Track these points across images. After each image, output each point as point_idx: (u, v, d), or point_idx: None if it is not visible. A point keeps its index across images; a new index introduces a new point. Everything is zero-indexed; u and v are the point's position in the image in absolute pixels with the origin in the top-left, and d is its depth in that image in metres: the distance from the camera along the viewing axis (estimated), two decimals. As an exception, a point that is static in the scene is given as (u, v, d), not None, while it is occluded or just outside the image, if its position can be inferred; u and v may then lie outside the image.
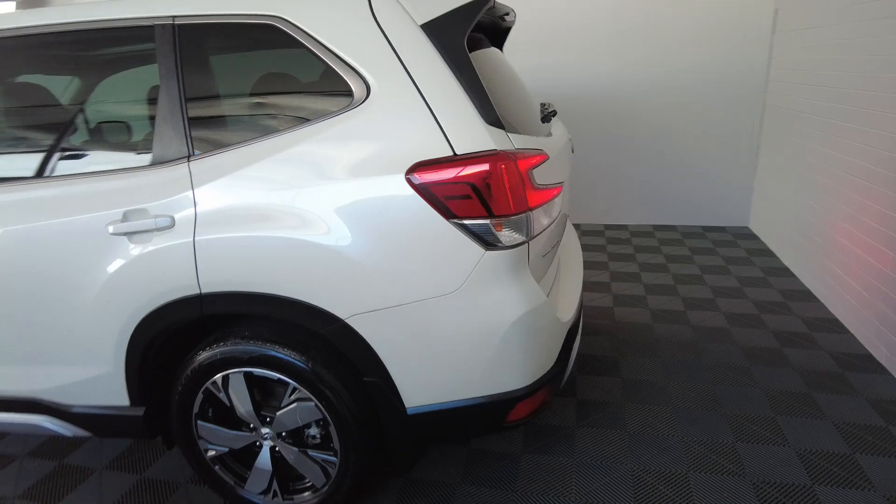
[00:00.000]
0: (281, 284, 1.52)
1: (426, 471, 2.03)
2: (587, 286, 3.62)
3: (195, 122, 1.60)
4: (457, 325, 1.49)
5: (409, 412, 1.59)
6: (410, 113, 1.45)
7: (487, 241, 1.44)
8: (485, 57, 1.88)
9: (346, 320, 1.51)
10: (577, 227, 4.93)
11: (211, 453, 1.81)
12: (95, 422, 1.85)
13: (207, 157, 1.57)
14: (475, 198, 1.42)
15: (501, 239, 1.45)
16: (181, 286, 1.58)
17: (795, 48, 3.80)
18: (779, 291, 3.40)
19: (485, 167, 1.41)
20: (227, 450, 1.80)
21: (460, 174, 1.41)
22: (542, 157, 1.57)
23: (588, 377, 2.57)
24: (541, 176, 1.58)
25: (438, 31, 1.50)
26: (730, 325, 3.01)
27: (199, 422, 1.77)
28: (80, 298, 1.67)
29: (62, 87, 1.79)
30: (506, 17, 2.05)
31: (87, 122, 1.75)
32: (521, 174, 1.44)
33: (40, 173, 1.72)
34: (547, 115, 2.10)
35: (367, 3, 1.51)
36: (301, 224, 1.48)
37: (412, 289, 1.48)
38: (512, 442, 2.16)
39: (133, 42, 1.66)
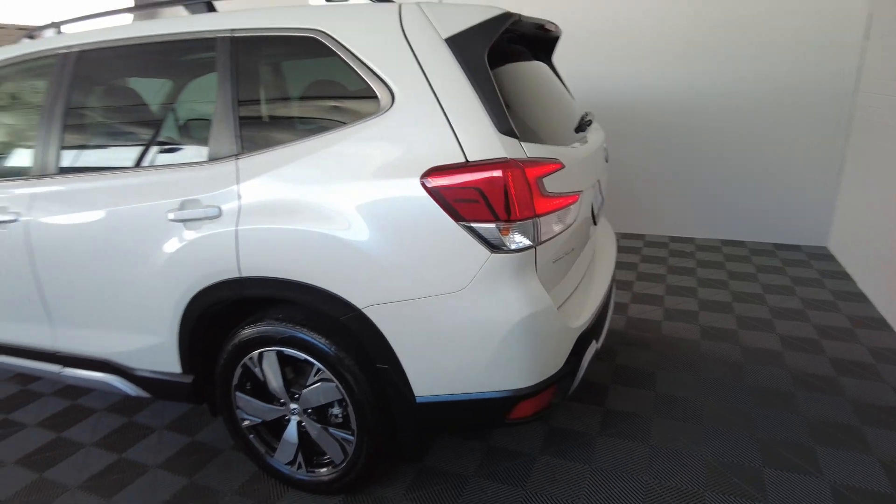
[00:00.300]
0: (308, 273, 1.67)
1: (442, 461, 2.13)
2: (638, 298, 3.55)
3: (245, 123, 1.79)
4: (462, 322, 1.58)
5: (417, 400, 1.70)
6: (429, 121, 1.56)
7: (493, 244, 1.52)
8: (520, 69, 1.95)
9: (362, 310, 1.64)
10: (640, 238, 4.82)
11: (246, 423, 2.01)
12: (153, 385, 2.10)
13: (253, 156, 1.75)
14: (482, 202, 1.49)
15: (507, 243, 1.52)
16: (225, 269, 1.78)
17: (891, 55, 3.51)
18: (847, 317, 3.17)
19: (492, 174, 1.48)
20: (259, 421, 1.98)
21: (469, 179, 1.50)
22: (555, 165, 1.61)
23: (620, 388, 2.55)
24: (555, 184, 1.63)
25: (461, 44, 1.59)
26: (783, 348, 2.86)
27: (237, 393, 1.97)
28: (145, 275, 1.92)
29: (142, 91, 2.05)
30: (548, 30, 2.10)
31: (160, 121, 2.00)
32: (528, 181, 1.51)
33: (119, 165, 1.99)
34: (582, 125, 2.12)
35: (397, 18, 1.64)
36: (327, 219, 1.63)
37: (422, 285, 1.58)
38: (531, 442, 2.20)
39: (199, 52, 1.88)
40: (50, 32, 2.33)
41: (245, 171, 1.75)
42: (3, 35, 5.82)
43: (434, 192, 1.52)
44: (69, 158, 2.09)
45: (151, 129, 2.00)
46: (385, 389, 1.74)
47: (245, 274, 1.76)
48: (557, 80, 2.42)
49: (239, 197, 1.75)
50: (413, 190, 1.54)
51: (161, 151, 1.95)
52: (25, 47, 2.26)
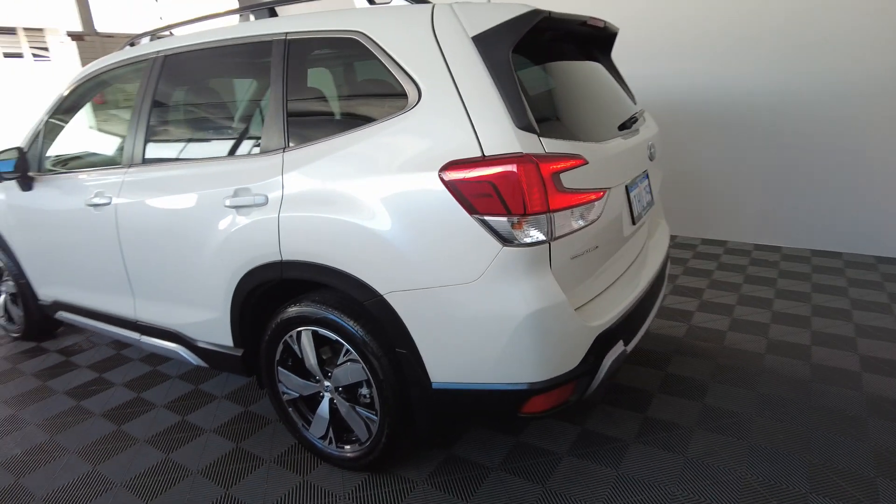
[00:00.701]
0: (337, 258, 1.78)
1: (469, 450, 2.16)
2: (705, 306, 3.37)
3: (292, 119, 1.94)
4: (475, 312, 1.61)
5: (433, 386, 1.75)
6: (451, 116, 1.61)
7: (505, 237, 1.54)
8: (565, 67, 1.95)
9: (384, 296, 1.72)
10: (721, 244, 4.55)
11: (286, 396, 2.17)
12: (210, 356, 2.33)
13: (296, 150, 1.89)
14: (495, 196, 1.52)
15: (518, 237, 1.53)
16: (268, 253, 1.94)
17: None
18: (948, 341, 2.81)
19: (504, 168, 1.50)
20: (297, 395, 2.13)
21: (483, 174, 1.53)
22: (575, 161, 1.60)
23: (666, 397, 2.45)
24: (577, 179, 1.61)
25: (487, 42, 1.62)
26: (863, 369, 2.60)
27: (279, 368, 2.13)
28: (205, 255, 2.13)
29: (210, 90, 2.28)
30: (595, 26, 2.07)
31: (224, 117, 2.21)
32: (542, 177, 1.51)
33: (189, 156, 2.22)
34: (626, 123, 2.07)
35: (429, 17, 1.70)
36: (354, 210, 1.73)
37: (439, 274, 1.63)
38: (560, 441, 2.18)
39: (258, 54, 2.06)
40: (145, 40, 2.64)
41: (289, 164, 1.90)
42: (113, 43, 6.61)
43: (451, 186, 1.57)
44: (150, 151, 2.36)
45: (217, 124, 2.22)
46: (404, 373, 1.81)
47: (285, 258, 1.90)
48: (609, 77, 2.37)
49: (282, 187, 1.89)
50: (432, 183, 1.60)
51: (223, 144, 2.16)
52: (125, 53, 2.58)
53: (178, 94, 2.35)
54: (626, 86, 2.56)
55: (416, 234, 1.64)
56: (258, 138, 2.02)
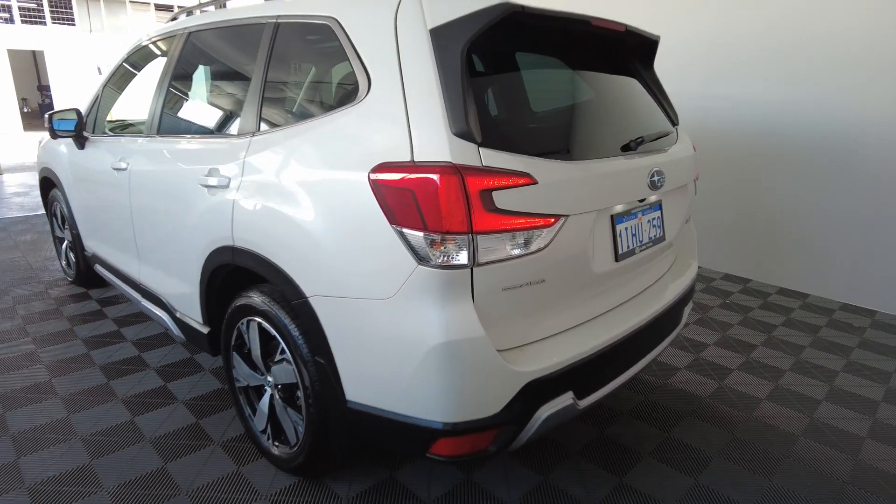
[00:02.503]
0: (273, 251, 1.70)
1: (411, 477, 2.00)
2: (749, 366, 2.91)
3: (267, 103, 1.88)
4: (387, 332, 1.45)
5: (349, 404, 1.62)
6: (392, 114, 1.46)
7: (420, 255, 1.36)
8: (564, 76, 1.72)
9: (309, 298, 1.61)
10: (800, 297, 3.94)
11: (238, 383, 2.13)
12: (184, 328, 2.36)
13: (262, 135, 1.84)
14: (414, 207, 1.35)
15: (434, 256, 1.35)
16: (224, 237, 1.90)
17: None
18: None
19: (424, 177, 1.33)
20: (246, 384, 2.09)
21: (405, 180, 1.36)
22: (518, 179, 1.38)
23: (655, 463, 2.12)
24: (520, 201, 1.39)
25: (443, 36, 1.45)
26: (921, 481, 2.08)
27: (234, 353, 2.10)
28: (184, 229, 2.15)
29: (210, 69, 2.29)
30: (617, 31, 1.80)
31: (217, 96, 2.21)
32: (467, 192, 1.31)
33: (187, 131, 2.26)
34: (630, 144, 1.78)
35: (396, 5, 1.55)
36: (292, 203, 1.63)
37: (359, 284, 1.49)
38: (513, 489, 1.96)
39: (251, 37, 2.03)
40: (183, 16, 2.73)
41: (252, 148, 1.84)
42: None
43: (376, 189, 1.42)
44: (163, 123, 2.44)
45: (213, 102, 2.23)
46: (323, 383, 1.69)
47: (236, 244, 1.86)
48: (637, 91, 2.07)
49: (242, 171, 1.85)
50: (361, 184, 1.46)
51: (212, 122, 2.16)
52: (167, 27, 2.69)
53: (188, 70, 2.40)
54: (664, 103, 2.23)
55: (342, 236, 1.51)
56: (238, 119, 2.00)
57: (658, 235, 1.95)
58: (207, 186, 1.98)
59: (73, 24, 17.70)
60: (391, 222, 1.39)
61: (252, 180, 1.79)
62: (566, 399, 1.58)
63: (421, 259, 1.36)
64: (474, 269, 1.36)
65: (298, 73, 1.89)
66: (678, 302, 2.09)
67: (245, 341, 2.02)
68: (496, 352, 1.41)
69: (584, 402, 1.65)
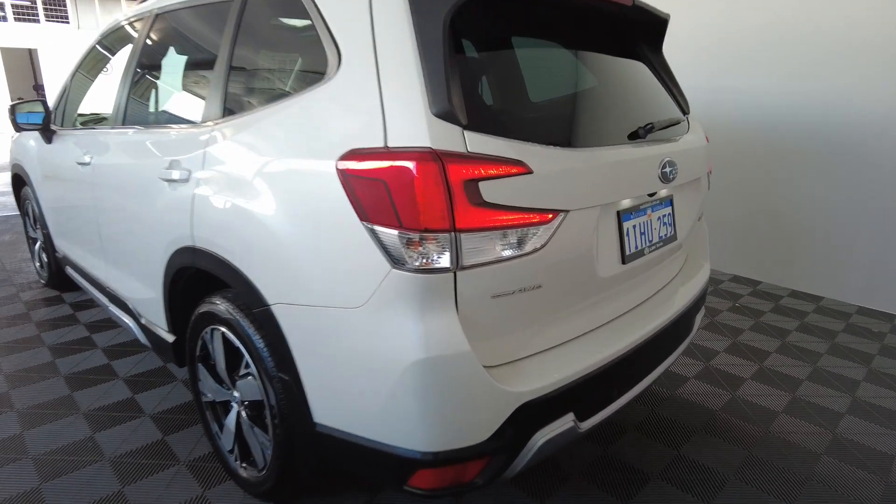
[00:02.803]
0: (234, 252, 1.51)
1: (399, 501, 1.80)
2: (762, 375, 2.71)
3: (232, 86, 1.68)
4: (357, 347, 1.25)
5: (317, 427, 1.42)
6: (364, 93, 1.26)
7: (395, 257, 1.16)
8: (566, 57, 1.53)
9: (271, 306, 1.42)
10: (814, 300, 3.73)
11: (205, 398, 1.93)
12: (151, 337, 2.16)
13: (226, 121, 1.64)
14: (387, 200, 1.15)
15: (410, 258, 1.15)
16: (184, 236, 1.70)
17: None
18: None
19: (399, 165, 1.13)
20: (213, 399, 1.89)
21: (376, 169, 1.16)
22: (510, 168, 1.18)
23: (665, 486, 1.92)
24: (513, 194, 1.19)
25: (423, 2, 1.24)
26: (961, 506, 1.87)
27: (199, 365, 1.90)
28: (146, 227, 1.95)
29: (174, 54, 2.09)
30: (625, 4, 1.60)
31: (186, 82, 2.01)
32: (448, 182, 1.11)
33: (150, 122, 2.06)
34: (638, 132, 1.58)
35: None
36: (253, 197, 1.43)
37: (326, 291, 1.29)
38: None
39: (217, 16, 1.83)
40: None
41: (214, 136, 1.65)
42: None
43: (344, 181, 1.22)
44: (127, 113, 2.24)
45: (178, 89, 2.03)
46: (289, 403, 1.49)
47: (197, 244, 1.66)
48: (644, 76, 1.87)
49: (203, 162, 1.65)
50: (329, 175, 1.26)
51: (176, 110, 1.96)
52: (135, 10, 2.49)
53: (154, 55, 2.20)
54: (674, 90, 2.03)
55: (308, 236, 1.31)
56: (203, 105, 1.80)
57: (669, 234, 1.75)
58: (168, 180, 1.78)
59: (67, 22, 17.51)
60: (361, 219, 1.19)
61: (212, 173, 1.59)
62: (566, 422, 1.37)
63: (395, 261, 1.16)
64: (458, 273, 1.16)
65: (266, 53, 1.69)
66: (690, 308, 1.88)
67: (210, 352, 1.82)
68: (484, 369, 1.21)
69: (587, 424, 1.45)
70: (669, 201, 1.75)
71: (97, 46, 2.74)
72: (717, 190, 4.05)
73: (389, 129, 1.18)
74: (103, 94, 2.55)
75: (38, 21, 17.02)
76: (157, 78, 2.17)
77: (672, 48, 2.13)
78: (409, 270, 1.15)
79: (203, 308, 1.75)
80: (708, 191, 2.08)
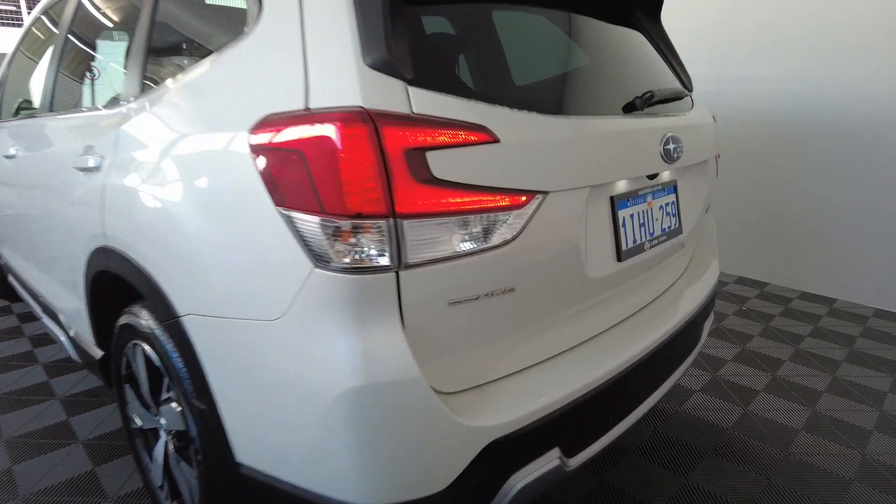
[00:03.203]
0: (142, 253, 1.23)
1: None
2: (776, 386, 2.43)
3: (152, 56, 1.42)
4: (278, 371, 0.98)
5: (241, 468, 1.14)
6: (285, 44, 0.99)
7: (316, 252, 0.89)
8: (559, 18, 1.26)
9: (181, 318, 1.14)
10: (826, 302, 3.46)
11: (134, 424, 1.65)
12: (80, 351, 1.88)
13: (143, 96, 1.37)
14: (305, 178, 0.88)
15: (336, 254, 0.87)
16: (96, 234, 1.43)
17: None
18: None
19: (319, 129, 0.85)
20: (142, 426, 1.61)
21: (290, 140, 0.89)
22: (470, 134, 0.91)
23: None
24: (474, 169, 0.92)
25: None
26: None
27: (127, 386, 1.62)
28: (63, 225, 1.68)
29: (96, 33, 1.82)
30: None
31: (101, 57, 1.75)
32: (384, 151, 0.84)
33: (70, 107, 1.79)
34: (635, 102, 1.31)
35: None
36: (161, 185, 1.16)
37: (239, 300, 1.02)
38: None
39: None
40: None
41: (128, 115, 1.38)
42: None
43: (258, 156, 0.95)
44: (54, 97, 1.97)
45: (96, 66, 1.76)
46: (209, 436, 1.21)
47: (108, 243, 1.38)
48: (643, 45, 1.61)
49: (115, 146, 1.38)
50: (240, 151, 0.99)
51: (97, 89, 1.70)
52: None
53: (78, 31, 1.93)
54: (675, 63, 1.77)
55: (218, 229, 1.04)
56: (122, 81, 1.53)
57: (673, 226, 1.48)
58: (83, 169, 1.51)
59: (58, 28, 17.28)
60: (277, 203, 0.92)
61: (123, 158, 1.33)
62: (550, 459, 1.10)
63: (318, 259, 0.88)
64: (402, 273, 0.89)
65: (186, 14, 1.41)
66: (698, 315, 1.61)
67: (135, 371, 1.55)
68: (439, 399, 0.93)
69: (577, 461, 1.17)
70: (673, 188, 1.48)
71: (32, 28, 2.47)
72: (719, 185, 3.78)
73: (312, 86, 0.91)
74: (36, 80, 2.29)
75: (21, 26, 16.81)
76: (81, 56, 1.90)
77: (672, 34, 1.87)
78: (335, 270, 0.87)
79: (123, 320, 1.48)
80: (716, 178, 1.81)
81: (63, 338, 2.02)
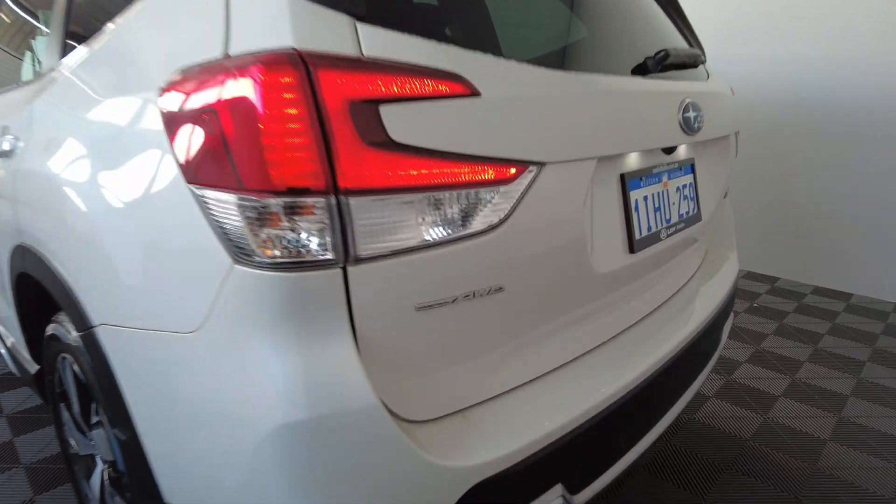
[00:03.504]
0: (53, 249, 1.01)
1: None
2: (798, 390, 2.22)
3: (71, 26, 1.20)
4: (200, 399, 0.76)
5: (170, 512, 0.92)
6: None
7: (237, 242, 0.67)
8: None
9: (94, 328, 0.92)
10: (843, 297, 3.25)
11: (71, 449, 1.44)
12: (17, 364, 1.66)
13: (60, 68, 1.15)
14: (219, 143, 0.66)
15: (261, 245, 0.65)
16: (12, 230, 1.22)
17: None
18: None
19: (235, 80, 0.64)
20: (79, 452, 1.40)
21: (202, 96, 0.67)
22: (436, 84, 0.69)
23: None
24: (447, 133, 0.70)
25: None
26: None
27: (61, 404, 1.41)
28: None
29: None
30: None
31: (37, 35, 1.53)
32: (320, 104, 0.62)
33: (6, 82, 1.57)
34: (647, 63, 1.10)
35: None
36: (70, 167, 0.95)
37: (153, 307, 0.80)
38: None
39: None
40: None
41: (44, 87, 1.16)
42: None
43: (167, 121, 0.73)
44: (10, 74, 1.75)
45: (28, 38, 1.54)
46: (135, 471, 1.00)
47: (24, 240, 1.17)
48: (652, 7, 1.40)
49: (30, 125, 1.16)
50: (150, 119, 0.77)
51: (26, 63, 1.48)
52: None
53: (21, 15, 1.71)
54: (688, 33, 1.56)
55: (129, 217, 0.83)
56: (45, 50, 1.31)
57: (691, 212, 1.26)
58: (1, 153, 1.29)
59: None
60: (188, 180, 0.70)
61: (35, 140, 1.11)
62: (552, 499, 0.88)
63: (239, 251, 0.67)
64: (350, 268, 0.67)
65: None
66: (718, 316, 1.39)
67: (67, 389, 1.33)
68: (404, 433, 0.71)
69: (583, 497, 0.95)
70: (690, 167, 1.27)
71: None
72: (728, 175, 3.58)
73: (234, 27, 0.69)
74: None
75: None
76: (18, 28, 1.68)
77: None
78: (261, 267, 0.66)
79: (50, 330, 1.26)
80: (735, 158, 1.59)
81: (2, 349, 1.80)
